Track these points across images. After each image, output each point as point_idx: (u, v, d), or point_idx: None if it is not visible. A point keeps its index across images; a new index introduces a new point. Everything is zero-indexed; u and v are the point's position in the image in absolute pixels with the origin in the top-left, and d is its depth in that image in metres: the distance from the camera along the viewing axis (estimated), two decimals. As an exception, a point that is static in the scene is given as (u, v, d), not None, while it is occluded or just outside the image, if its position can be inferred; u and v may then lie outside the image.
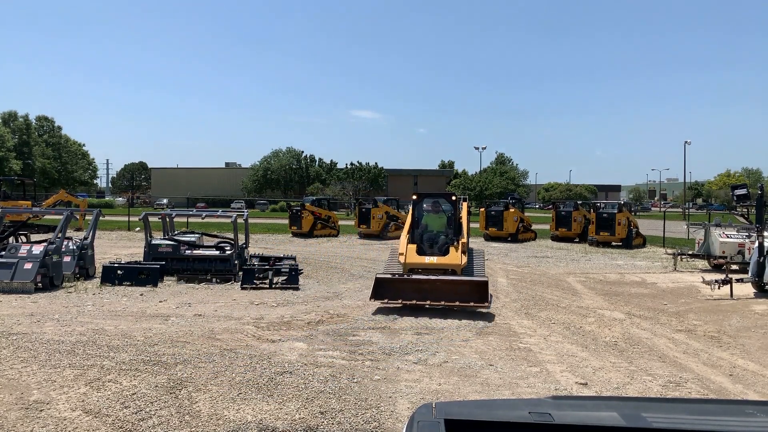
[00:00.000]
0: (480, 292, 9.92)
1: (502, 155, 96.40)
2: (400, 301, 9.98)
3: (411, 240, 11.76)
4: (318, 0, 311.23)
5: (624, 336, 8.61)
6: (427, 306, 10.05)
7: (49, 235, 14.41)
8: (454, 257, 11.16)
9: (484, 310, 9.95)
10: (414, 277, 10.47)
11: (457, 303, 9.88)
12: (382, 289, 10.18)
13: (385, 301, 10.04)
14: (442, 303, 9.95)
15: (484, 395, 5.85)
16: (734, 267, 15.54)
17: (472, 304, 9.81)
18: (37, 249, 12.01)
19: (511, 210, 26.93)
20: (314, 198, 32.71)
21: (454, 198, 12.47)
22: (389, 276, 10.54)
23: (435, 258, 11.26)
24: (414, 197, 12.40)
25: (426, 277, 10.38)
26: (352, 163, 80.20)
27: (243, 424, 4.95)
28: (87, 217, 24.12)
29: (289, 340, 7.98)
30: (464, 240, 11.59)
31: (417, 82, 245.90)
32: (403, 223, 15.10)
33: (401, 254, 11.30)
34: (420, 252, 11.52)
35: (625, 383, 6.38)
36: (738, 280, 12.39)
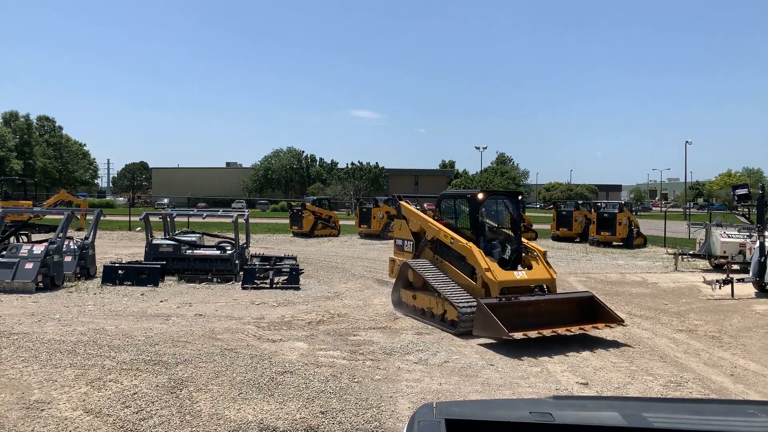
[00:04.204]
0: (594, 310, 8.61)
1: (503, 155, 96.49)
2: (536, 332, 7.73)
3: (485, 251, 9.38)
4: (319, 0, 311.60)
5: (625, 336, 8.60)
6: (557, 334, 7.94)
7: (50, 235, 14.39)
8: (543, 271, 9.34)
9: (619, 331, 8.61)
10: (521, 299, 8.54)
11: (590, 326, 8.28)
12: (501, 317, 7.73)
13: (523, 333, 7.59)
14: (578, 329, 8.14)
15: (485, 395, 5.85)
16: (735, 267, 15.52)
17: (604, 325, 8.40)
18: (38, 249, 12.02)
19: (512, 210, 26.84)
20: (315, 198, 32.70)
21: (519, 197, 10.52)
22: (495, 301, 8.23)
23: (525, 273, 9.23)
24: (480, 196, 9.83)
25: (528, 299, 8.63)
26: (352, 163, 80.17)
27: (244, 424, 4.95)
28: (88, 217, 24.15)
29: (290, 339, 7.98)
30: (542, 249, 9.79)
31: (417, 82, 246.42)
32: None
33: (487, 270, 8.92)
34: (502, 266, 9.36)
35: (625, 383, 6.38)
36: (739, 280, 12.37)
